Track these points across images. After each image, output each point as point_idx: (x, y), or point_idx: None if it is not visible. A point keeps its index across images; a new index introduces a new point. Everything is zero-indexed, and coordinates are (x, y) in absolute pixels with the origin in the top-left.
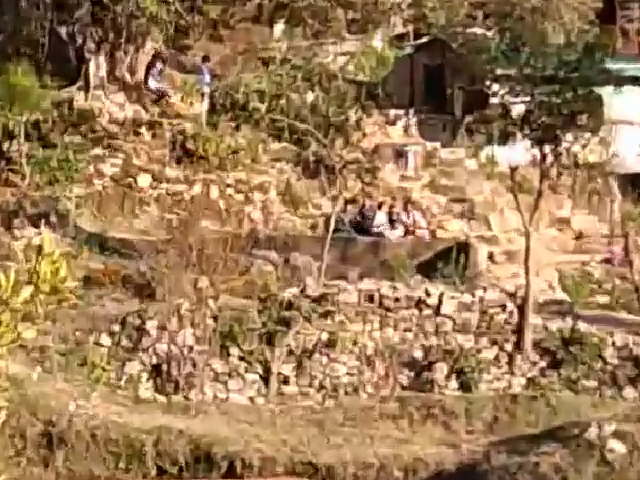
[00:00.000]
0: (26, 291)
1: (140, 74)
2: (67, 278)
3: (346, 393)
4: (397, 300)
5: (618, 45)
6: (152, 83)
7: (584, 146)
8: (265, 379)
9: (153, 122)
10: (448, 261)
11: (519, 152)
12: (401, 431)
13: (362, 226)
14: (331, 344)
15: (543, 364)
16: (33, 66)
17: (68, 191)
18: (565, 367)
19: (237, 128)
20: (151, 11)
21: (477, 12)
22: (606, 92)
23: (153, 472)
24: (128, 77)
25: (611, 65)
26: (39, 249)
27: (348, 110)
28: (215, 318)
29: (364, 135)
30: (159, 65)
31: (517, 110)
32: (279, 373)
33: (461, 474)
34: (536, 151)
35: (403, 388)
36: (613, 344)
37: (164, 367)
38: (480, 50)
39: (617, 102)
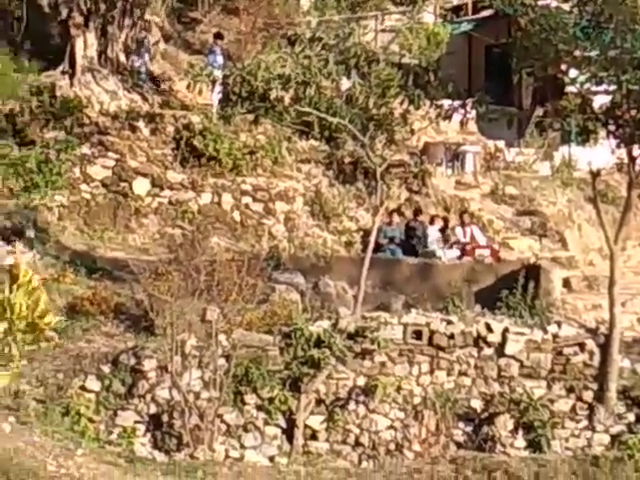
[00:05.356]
0: None
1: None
2: (47, 312)
3: (388, 452)
4: (451, 337)
5: None
6: (138, 63)
7: None
8: (289, 434)
9: (153, 114)
10: (514, 288)
11: (602, 154)
12: None
13: (409, 245)
14: (369, 391)
15: (631, 418)
16: (8, 45)
17: (49, 199)
18: None
19: (255, 122)
20: None
21: None
22: None
23: None
24: (123, 58)
25: None
26: (13, 276)
27: (392, 100)
28: (227, 357)
29: (412, 132)
30: (152, 39)
31: (600, 102)
32: (306, 426)
33: None
34: (623, 152)
35: (458, 446)
36: None
37: (164, 418)
38: (555, 27)
39: None
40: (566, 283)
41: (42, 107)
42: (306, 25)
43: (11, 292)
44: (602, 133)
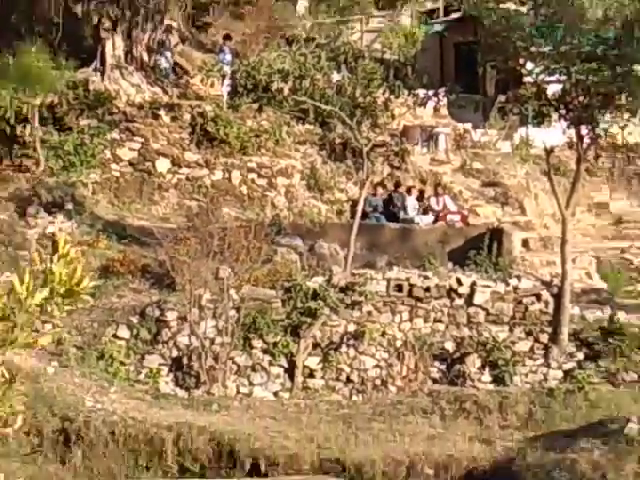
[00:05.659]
0: (41, 294)
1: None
2: (83, 279)
3: (374, 387)
4: (427, 290)
5: None
6: (162, 61)
7: (623, 127)
8: (290, 372)
9: (172, 104)
10: (480, 248)
11: (555, 134)
12: (432, 427)
13: (391, 212)
14: (358, 336)
15: (581, 356)
16: (47, 46)
17: (84, 177)
18: (604, 359)
19: (259, 110)
20: None
21: None
22: None
23: (174, 470)
24: (146, 57)
25: None
26: (54, 247)
27: (375, 90)
28: (237, 309)
29: (392, 116)
30: (173, 40)
31: (552, 90)
32: (304, 366)
33: (495, 472)
34: (573, 132)
35: (434, 381)
36: None
37: (185, 360)
38: (514, 27)
39: None
40: (525, 243)
41: (77, 99)
42: (302, 27)
43: (52, 262)
44: (555, 116)
